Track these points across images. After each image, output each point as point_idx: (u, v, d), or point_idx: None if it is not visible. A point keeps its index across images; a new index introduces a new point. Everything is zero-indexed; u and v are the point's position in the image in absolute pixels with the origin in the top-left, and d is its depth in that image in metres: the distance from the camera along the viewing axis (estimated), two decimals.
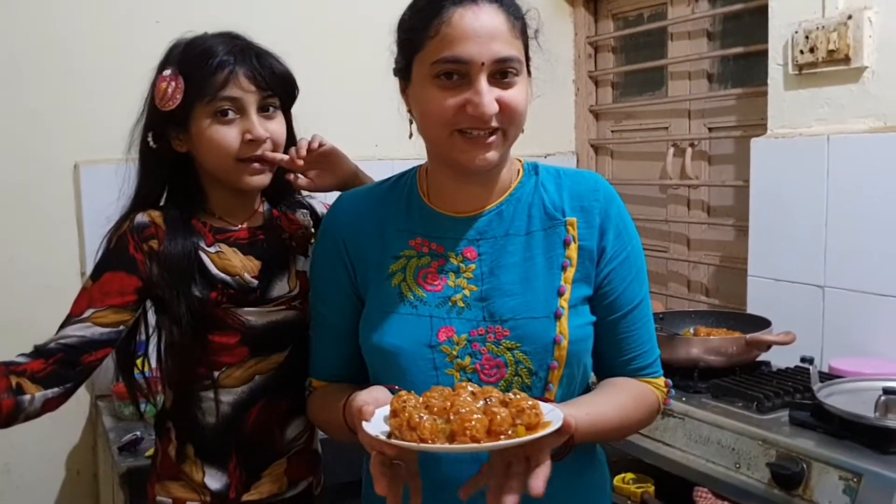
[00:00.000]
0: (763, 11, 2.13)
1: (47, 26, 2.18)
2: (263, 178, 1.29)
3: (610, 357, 1.18)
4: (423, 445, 0.91)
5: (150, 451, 1.61)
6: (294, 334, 1.32)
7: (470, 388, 0.99)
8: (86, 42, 2.21)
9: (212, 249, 1.29)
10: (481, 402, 0.95)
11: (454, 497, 1.03)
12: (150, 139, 1.28)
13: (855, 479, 1.33)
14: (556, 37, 2.92)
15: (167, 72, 1.25)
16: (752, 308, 2.13)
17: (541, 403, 0.97)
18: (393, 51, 1.15)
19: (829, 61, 1.93)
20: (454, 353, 1.11)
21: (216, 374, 1.29)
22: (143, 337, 1.35)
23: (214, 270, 1.27)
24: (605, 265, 1.15)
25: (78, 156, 2.21)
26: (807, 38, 1.96)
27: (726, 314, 2.05)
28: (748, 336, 1.78)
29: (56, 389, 1.17)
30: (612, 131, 2.93)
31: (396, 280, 1.15)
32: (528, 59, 1.13)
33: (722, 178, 2.47)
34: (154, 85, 1.27)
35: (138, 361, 1.37)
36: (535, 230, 1.15)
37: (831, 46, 1.90)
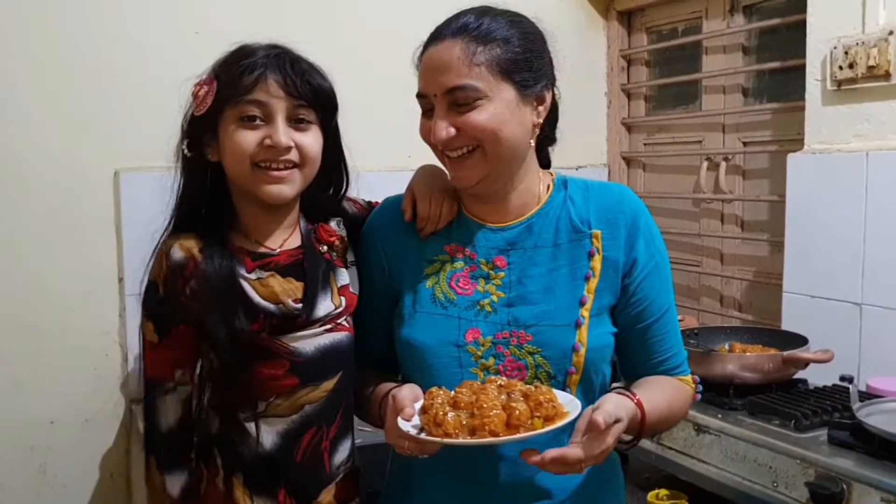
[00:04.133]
0: (800, 26, 2.12)
1: (88, 35, 2.21)
2: (282, 189, 1.21)
3: (642, 361, 1.25)
4: (446, 440, 1.01)
5: None
6: (345, 358, 1.28)
7: (499, 382, 1.08)
8: (126, 51, 2.25)
9: (252, 276, 1.23)
10: (504, 397, 1.03)
11: (488, 496, 1.17)
12: (185, 147, 1.25)
13: None
14: (588, 49, 2.92)
15: (204, 77, 1.24)
16: (788, 324, 2.11)
17: (559, 394, 1.06)
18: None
19: (868, 77, 1.91)
20: (479, 353, 1.18)
21: (263, 404, 1.24)
22: None
23: (257, 299, 1.22)
24: (638, 274, 1.21)
25: (118, 164, 2.24)
26: (846, 53, 1.94)
27: (761, 330, 2.03)
28: (786, 353, 1.76)
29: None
30: (645, 144, 2.92)
31: (431, 282, 1.23)
32: (512, 77, 1.14)
33: (756, 192, 2.45)
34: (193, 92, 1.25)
35: None
36: (561, 242, 1.21)
37: (871, 62, 1.89)
